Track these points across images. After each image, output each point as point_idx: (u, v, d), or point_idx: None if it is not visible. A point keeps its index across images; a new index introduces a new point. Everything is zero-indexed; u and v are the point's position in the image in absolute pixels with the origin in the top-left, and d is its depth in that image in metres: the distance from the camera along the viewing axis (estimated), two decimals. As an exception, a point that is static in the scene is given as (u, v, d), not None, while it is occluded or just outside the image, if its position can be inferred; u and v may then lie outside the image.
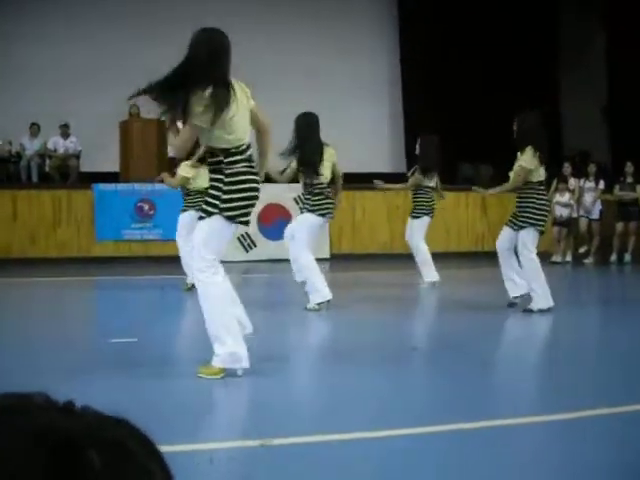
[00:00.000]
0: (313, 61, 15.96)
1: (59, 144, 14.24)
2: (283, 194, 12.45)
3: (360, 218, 13.91)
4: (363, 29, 16.89)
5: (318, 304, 7.28)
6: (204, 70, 4.44)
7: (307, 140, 7.29)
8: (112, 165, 13.35)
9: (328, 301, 7.34)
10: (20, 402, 0.62)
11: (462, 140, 14.55)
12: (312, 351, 6.10)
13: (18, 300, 8.74)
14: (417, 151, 9.79)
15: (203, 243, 4.57)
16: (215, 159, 4.63)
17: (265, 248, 12.72)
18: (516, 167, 7.36)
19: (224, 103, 4.43)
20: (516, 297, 7.71)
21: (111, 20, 15.37)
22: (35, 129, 14.27)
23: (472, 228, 14.68)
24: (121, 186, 12.83)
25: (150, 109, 13.55)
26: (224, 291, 4.62)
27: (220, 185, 4.58)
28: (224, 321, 4.55)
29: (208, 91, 4.38)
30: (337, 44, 16.39)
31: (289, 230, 7.78)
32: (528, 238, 7.40)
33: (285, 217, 11.79)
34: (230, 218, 4.59)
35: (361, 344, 5.99)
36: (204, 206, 4.66)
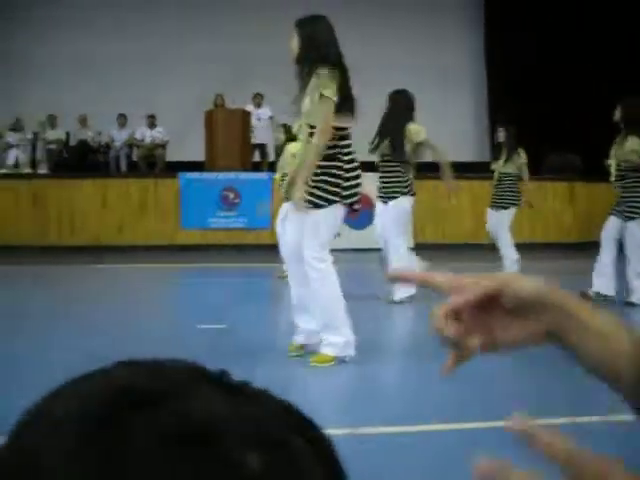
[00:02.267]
0: (397, 51, 15.84)
1: (146, 134, 14.53)
2: (366, 182, 12.39)
3: (444, 206, 13.75)
4: (447, 16, 16.67)
5: (405, 297, 7.23)
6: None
7: (409, 117, 7.30)
8: (197, 154, 13.54)
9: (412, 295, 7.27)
10: (178, 380, 0.49)
11: (548, 129, 14.24)
12: (398, 342, 6.06)
13: (107, 287, 8.94)
14: (501, 139, 9.64)
15: (323, 232, 4.62)
16: (332, 143, 4.65)
17: (348, 237, 12.70)
18: (631, 154, 7.03)
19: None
20: (599, 294, 7.37)
21: (196, 11, 15.58)
22: (123, 120, 14.60)
23: (559, 219, 14.36)
24: (206, 175, 13.01)
25: (235, 99, 13.80)
26: (337, 280, 4.68)
27: (339, 172, 4.64)
28: (341, 309, 4.63)
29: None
30: (421, 33, 16.24)
31: (381, 234, 7.62)
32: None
33: (369, 206, 11.75)
34: (350, 204, 4.70)
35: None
36: (321, 193, 4.63)
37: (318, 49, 4.64)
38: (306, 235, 4.65)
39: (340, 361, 4.65)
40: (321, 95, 4.54)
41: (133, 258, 11.32)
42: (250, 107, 13.97)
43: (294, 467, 0.47)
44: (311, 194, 4.68)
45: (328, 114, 4.54)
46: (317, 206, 4.63)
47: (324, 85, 4.54)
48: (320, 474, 0.49)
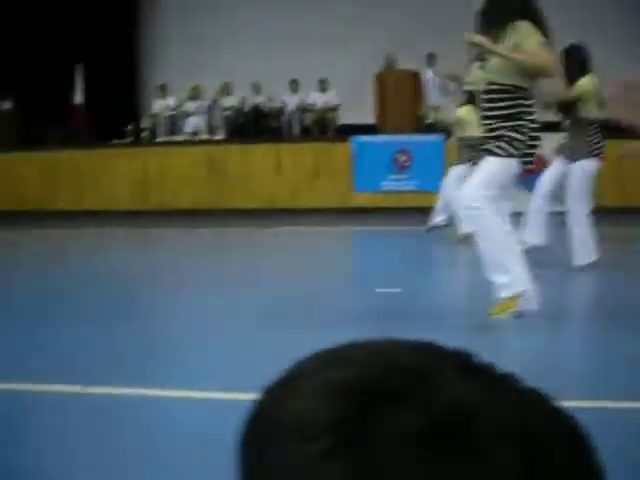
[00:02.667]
0: (566, 14, 15.09)
1: (318, 98, 14.69)
2: (543, 142, 11.95)
3: (627, 167, 13.07)
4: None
5: (588, 263, 6.90)
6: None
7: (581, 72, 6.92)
8: (369, 117, 13.56)
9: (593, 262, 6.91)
10: (422, 363, 0.47)
11: None
12: (581, 309, 5.85)
13: (282, 250, 9.16)
14: None
15: (490, 179, 4.56)
16: (516, 102, 4.59)
17: (521, 200, 12.32)
18: None
19: None
20: None
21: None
22: (295, 85, 14.83)
23: None
24: (379, 138, 13.01)
25: (407, 60, 13.66)
26: (504, 229, 4.57)
27: (524, 130, 4.58)
28: (508, 248, 4.50)
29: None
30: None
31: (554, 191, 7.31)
32: None
33: (542, 168, 11.34)
34: (526, 163, 4.64)
35: (630, 304, 5.63)
36: (502, 144, 4.57)
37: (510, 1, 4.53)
38: (475, 177, 4.64)
39: (520, 299, 4.47)
40: (529, 42, 4.44)
41: (307, 221, 11.54)
42: (422, 68, 13.80)
43: (551, 464, 0.43)
44: (492, 143, 4.63)
45: (549, 56, 4.49)
46: (495, 154, 4.58)
47: (529, 35, 4.45)
48: (577, 469, 0.45)
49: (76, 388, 3.58)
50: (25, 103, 15.07)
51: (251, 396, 0.49)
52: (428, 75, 13.53)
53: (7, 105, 15.03)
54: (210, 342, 4.44)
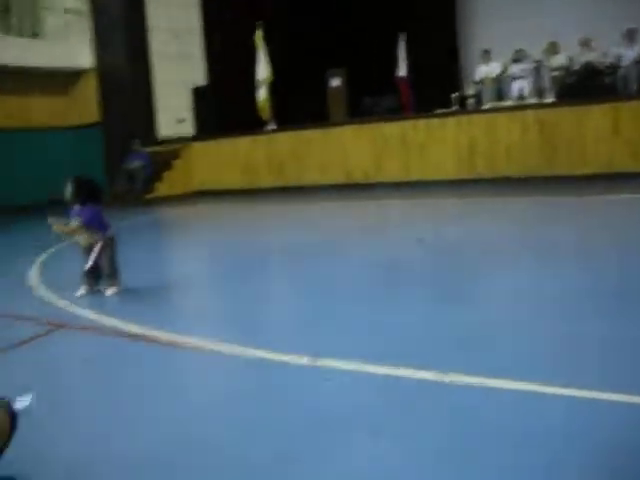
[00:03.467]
0: None
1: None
2: None
3: None
4: None
5: None
6: None
7: None
8: None
9: None
10: None
11: None
12: None
13: (631, 220, 8.45)
14: None
15: None
16: None
17: None
18: None
19: None
20: None
21: None
22: (631, 35, 13.68)
23: None
24: None
25: None
26: None
27: None
28: None
29: None
30: None
31: None
32: None
33: None
34: None
35: None
36: None
37: None
38: None
39: None
40: None
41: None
42: None
43: None
44: None
45: None
46: None
47: None
48: None
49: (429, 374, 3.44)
50: (353, 78, 15.53)
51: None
52: None
53: (336, 82, 15.57)
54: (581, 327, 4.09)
